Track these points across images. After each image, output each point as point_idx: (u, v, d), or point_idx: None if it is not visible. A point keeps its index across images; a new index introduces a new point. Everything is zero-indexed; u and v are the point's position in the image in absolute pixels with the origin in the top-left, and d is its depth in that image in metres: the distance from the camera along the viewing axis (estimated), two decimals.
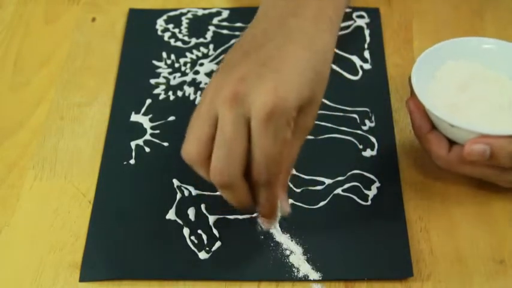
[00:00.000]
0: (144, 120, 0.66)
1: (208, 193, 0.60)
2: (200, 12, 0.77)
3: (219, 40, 0.73)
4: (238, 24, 0.75)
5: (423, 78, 0.58)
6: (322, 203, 0.59)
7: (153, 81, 0.70)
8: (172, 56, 0.72)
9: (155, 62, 0.72)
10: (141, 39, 0.74)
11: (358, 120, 0.65)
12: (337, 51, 0.72)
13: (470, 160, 0.54)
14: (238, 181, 0.50)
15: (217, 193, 0.60)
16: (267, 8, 0.56)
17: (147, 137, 0.65)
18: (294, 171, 0.61)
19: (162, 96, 0.68)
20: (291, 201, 0.59)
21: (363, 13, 0.75)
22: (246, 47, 0.53)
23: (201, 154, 0.50)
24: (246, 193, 0.51)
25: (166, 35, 0.74)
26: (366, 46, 0.72)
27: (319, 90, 0.53)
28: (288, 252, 0.56)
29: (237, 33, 0.74)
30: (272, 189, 0.51)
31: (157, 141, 0.65)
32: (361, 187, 0.60)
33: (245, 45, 0.53)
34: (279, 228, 0.58)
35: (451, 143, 0.56)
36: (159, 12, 0.77)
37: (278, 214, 0.55)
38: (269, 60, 0.50)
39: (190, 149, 0.51)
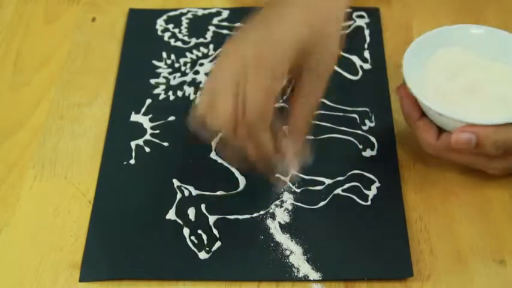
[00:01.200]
0: (144, 120, 0.66)
1: (208, 193, 0.60)
2: (200, 12, 0.77)
3: (219, 40, 0.73)
4: (238, 24, 0.75)
5: (415, 66, 0.59)
6: (322, 203, 0.59)
7: (153, 81, 0.70)
8: (172, 56, 0.72)
9: (155, 62, 0.72)
10: (141, 39, 0.74)
11: (358, 120, 0.65)
12: None
13: (457, 148, 0.55)
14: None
15: (217, 193, 0.60)
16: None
17: (147, 137, 0.65)
18: (294, 171, 0.61)
19: (162, 96, 0.68)
20: (291, 201, 0.59)
21: (363, 13, 0.75)
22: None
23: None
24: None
25: (166, 35, 0.74)
26: (366, 46, 0.72)
27: (320, 37, 0.53)
28: (288, 252, 0.56)
29: None
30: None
31: (157, 141, 0.65)
32: (361, 187, 0.60)
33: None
34: (278, 228, 0.58)
35: (441, 130, 0.57)
36: (159, 12, 0.77)
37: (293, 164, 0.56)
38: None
39: None
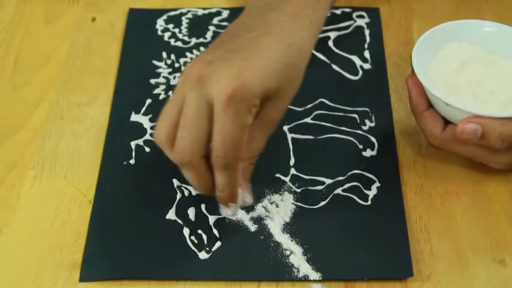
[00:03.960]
0: (144, 120, 0.66)
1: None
2: (200, 12, 0.77)
3: None
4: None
5: (424, 57, 0.60)
6: (322, 203, 0.59)
7: (153, 81, 0.70)
8: (172, 56, 0.72)
9: (155, 62, 0.72)
10: (141, 39, 0.74)
11: (358, 120, 0.65)
12: (337, 51, 0.72)
13: (462, 139, 0.55)
14: (197, 161, 0.52)
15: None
16: (254, 1, 0.58)
17: (147, 137, 0.65)
18: (294, 171, 0.61)
19: (162, 96, 0.68)
20: (291, 201, 0.59)
21: (363, 13, 0.75)
22: (223, 37, 0.55)
23: (170, 135, 0.52)
24: (206, 175, 0.53)
25: (166, 35, 0.74)
26: (366, 46, 0.72)
27: (288, 85, 0.54)
28: (288, 252, 0.56)
29: None
30: (230, 175, 0.52)
31: None
32: (361, 187, 0.60)
33: (224, 36, 0.55)
34: (278, 228, 0.58)
35: (446, 123, 0.58)
36: (159, 12, 0.77)
37: (239, 203, 0.56)
38: (240, 48, 0.52)
39: (160, 131, 0.53)
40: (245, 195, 0.56)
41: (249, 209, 0.59)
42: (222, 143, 0.50)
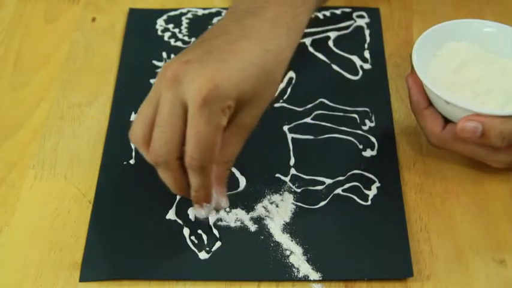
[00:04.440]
0: None
1: None
2: (200, 12, 0.77)
3: None
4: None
5: (424, 56, 0.60)
6: (322, 203, 0.59)
7: (153, 81, 0.70)
8: (172, 56, 0.72)
9: (155, 62, 0.72)
10: (141, 39, 0.74)
11: (358, 120, 0.65)
12: (337, 51, 0.72)
13: (463, 137, 0.55)
14: (173, 161, 0.52)
15: None
16: (235, 4, 0.58)
17: None
18: (294, 171, 0.61)
19: None
20: (291, 201, 0.59)
21: (363, 13, 0.75)
22: (203, 38, 0.55)
23: (145, 136, 0.52)
24: (181, 176, 0.53)
25: (166, 35, 0.74)
26: (366, 46, 0.72)
27: (264, 91, 0.54)
28: (288, 252, 0.56)
29: None
30: (205, 176, 0.52)
31: None
32: (361, 187, 0.60)
33: (203, 36, 0.56)
34: (278, 228, 0.58)
35: (446, 121, 0.58)
36: (159, 12, 0.77)
37: (212, 205, 0.56)
38: (217, 50, 0.52)
39: (136, 132, 0.53)
40: (220, 199, 0.56)
41: (249, 209, 0.59)
42: (197, 145, 0.50)
